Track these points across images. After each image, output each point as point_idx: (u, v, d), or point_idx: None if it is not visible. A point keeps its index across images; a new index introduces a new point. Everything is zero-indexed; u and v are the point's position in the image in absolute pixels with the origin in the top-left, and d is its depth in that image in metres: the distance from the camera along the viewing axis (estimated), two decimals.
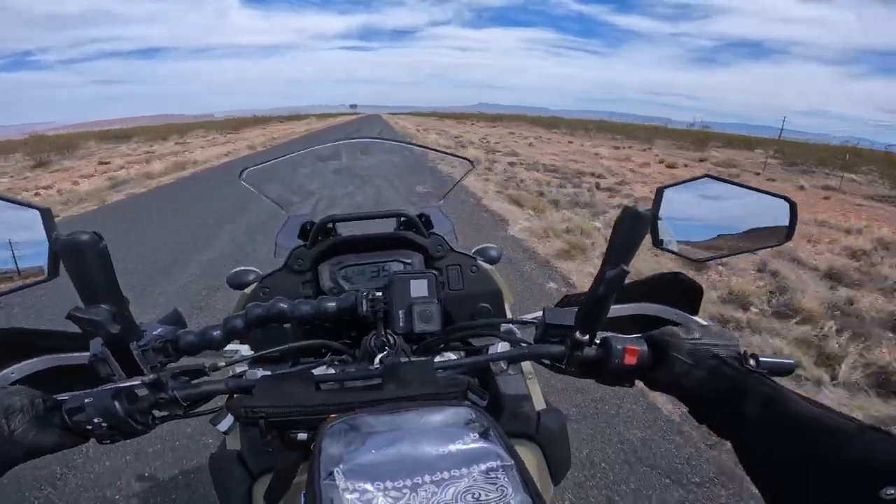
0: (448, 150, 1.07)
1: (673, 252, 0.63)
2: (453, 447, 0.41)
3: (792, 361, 0.58)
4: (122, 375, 0.50)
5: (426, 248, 0.91)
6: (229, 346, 0.69)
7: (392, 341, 0.64)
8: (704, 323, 0.67)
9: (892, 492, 0.35)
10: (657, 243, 0.62)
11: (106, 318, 0.48)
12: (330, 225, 0.96)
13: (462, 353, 0.70)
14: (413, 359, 0.62)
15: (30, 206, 0.50)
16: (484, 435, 0.43)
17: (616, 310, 0.73)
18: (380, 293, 0.64)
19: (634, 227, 0.53)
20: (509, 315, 0.91)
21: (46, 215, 0.49)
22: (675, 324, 0.72)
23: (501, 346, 0.64)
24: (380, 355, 0.62)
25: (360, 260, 0.92)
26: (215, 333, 0.60)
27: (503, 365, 0.62)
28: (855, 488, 0.38)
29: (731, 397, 0.49)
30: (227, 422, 0.53)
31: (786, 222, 0.63)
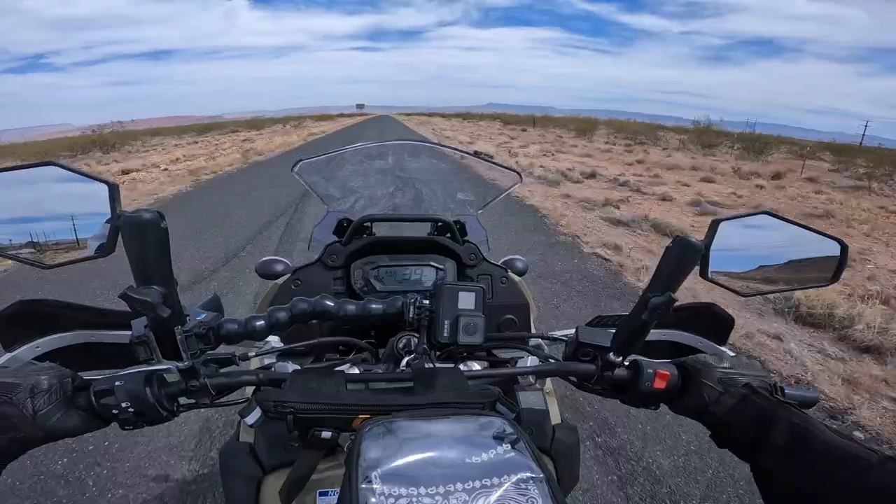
0: (496, 161, 1.07)
1: (721, 285, 0.64)
2: (485, 457, 0.42)
3: (816, 395, 0.60)
4: (160, 359, 0.49)
5: (460, 255, 0.91)
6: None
7: (423, 347, 0.64)
8: (733, 354, 0.68)
9: None
10: (705, 274, 0.63)
11: (157, 301, 0.46)
12: (366, 224, 0.95)
13: (486, 364, 0.70)
14: (440, 365, 0.62)
15: (98, 179, 0.48)
16: (515, 446, 0.43)
17: (649, 335, 0.75)
18: (427, 301, 0.64)
19: (685, 256, 0.54)
20: (534, 328, 0.92)
21: (114, 191, 0.47)
22: (703, 352, 0.74)
23: (531, 361, 0.64)
24: (406, 358, 0.62)
25: (394, 262, 0.91)
26: (258, 324, 0.59)
27: (531, 379, 0.62)
28: None
29: (759, 425, 0.51)
30: (256, 414, 0.52)
31: (835, 262, 0.65)
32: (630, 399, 0.60)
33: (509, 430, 0.45)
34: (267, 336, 0.61)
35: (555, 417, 0.74)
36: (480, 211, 1.09)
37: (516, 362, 0.67)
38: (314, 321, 0.63)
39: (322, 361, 0.74)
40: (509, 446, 0.43)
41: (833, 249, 0.65)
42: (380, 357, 0.69)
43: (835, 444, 0.45)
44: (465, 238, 0.97)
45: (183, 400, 0.52)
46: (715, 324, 0.74)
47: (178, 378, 0.51)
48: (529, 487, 0.39)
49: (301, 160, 0.96)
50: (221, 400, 0.55)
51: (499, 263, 1.03)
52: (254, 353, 0.62)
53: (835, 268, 0.65)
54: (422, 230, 1.02)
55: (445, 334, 0.62)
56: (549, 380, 0.79)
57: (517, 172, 1.03)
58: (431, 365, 0.61)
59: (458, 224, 0.99)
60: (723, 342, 0.75)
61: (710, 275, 0.64)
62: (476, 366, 0.67)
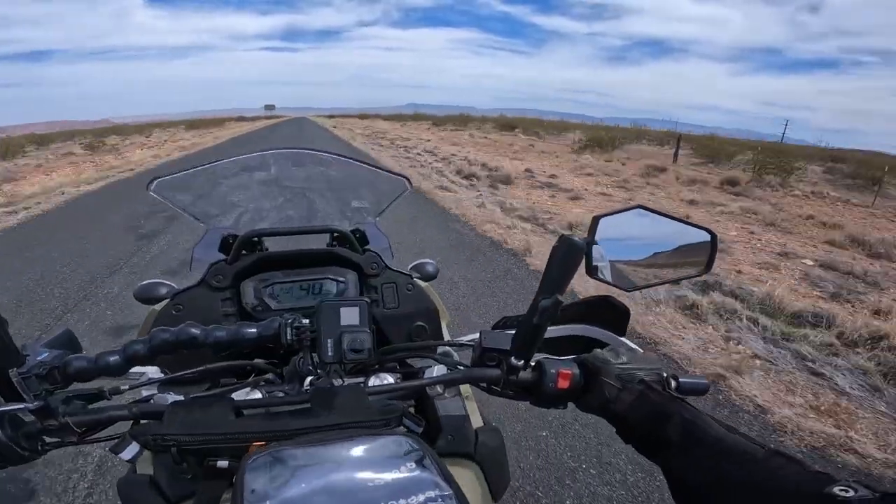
0: (383, 167, 1.04)
1: (605, 281, 0.64)
2: (389, 477, 0.40)
3: (707, 382, 0.63)
4: (1, 402, 0.47)
5: (360, 265, 0.88)
6: (134, 368, 0.63)
7: (330, 365, 0.63)
8: (632, 345, 0.69)
9: None
10: (590, 272, 0.62)
11: None
12: (255, 240, 0.90)
13: (399, 376, 0.68)
14: (346, 382, 0.61)
15: None
16: (420, 463, 0.42)
17: (552, 331, 0.74)
18: (306, 321, 0.61)
19: (569, 255, 0.54)
20: (446, 334, 0.91)
21: None
22: (607, 345, 0.74)
23: (438, 370, 0.64)
24: (309, 378, 0.60)
25: (289, 277, 0.87)
26: (112, 359, 0.56)
27: (439, 388, 0.61)
28: None
29: (656, 421, 0.51)
30: (132, 450, 0.50)
31: (707, 252, 0.66)
32: (537, 400, 0.59)
33: (414, 446, 0.43)
34: (127, 371, 0.58)
35: (476, 421, 0.72)
36: (378, 218, 1.06)
37: (424, 372, 0.65)
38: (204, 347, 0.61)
39: (218, 387, 0.69)
40: (414, 464, 0.41)
41: (704, 238, 0.66)
42: (285, 378, 0.66)
43: (723, 438, 0.46)
44: (367, 247, 0.94)
45: (48, 438, 0.51)
46: (614, 315, 0.75)
47: (34, 418, 0.49)
48: None
49: (157, 178, 0.89)
50: (93, 436, 0.53)
51: (408, 268, 1.01)
52: (126, 387, 0.59)
53: (707, 257, 0.66)
54: (322, 242, 0.98)
55: (330, 353, 0.60)
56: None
57: (405, 178, 1.01)
58: (340, 382, 0.60)
59: (358, 233, 0.96)
60: (622, 333, 0.75)
61: (593, 272, 0.63)
62: (389, 378, 0.66)
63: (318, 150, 1.02)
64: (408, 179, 1.00)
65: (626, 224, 0.64)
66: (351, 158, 1.03)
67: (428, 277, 1.08)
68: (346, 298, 0.71)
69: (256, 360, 0.65)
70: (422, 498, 0.39)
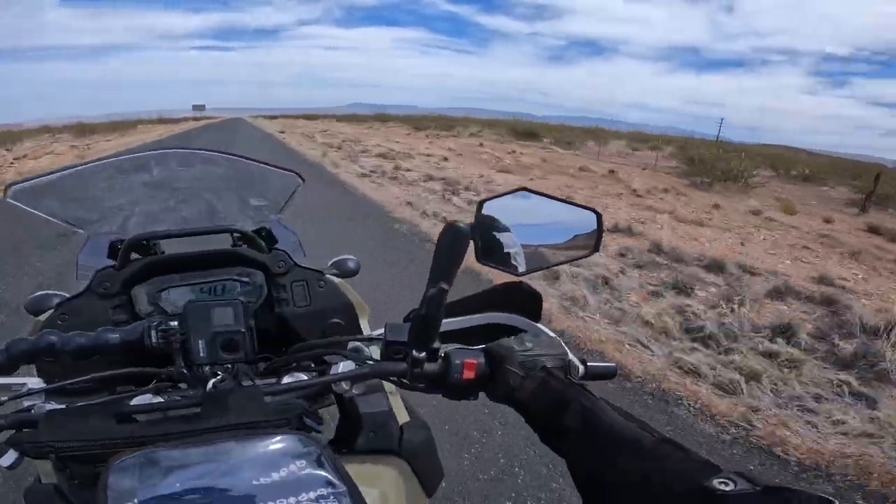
0: (272, 164, 1.00)
1: (495, 266, 0.63)
2: (277, 476, 0.40)
3: (614, 365, 0.64)
4: None
5: (266, 264, 0.85)
6: (15, 379, 0.63)
7: (230, 366, 0.62)
8: (545, 330, 0.69)
9: None
10: (479, 257, 0.61)
11: None
12: (146, 243, 0.87)
13: (314, 374, 0.66)
14: (245, 384, 0.61)
15: None
16: (314, 462, 0.41)
17: (465, 321, 0.74)
18: (174, 323, 0.61)
19: (455, 242, 0.53)
20: (366, 330, 0.89)
21: None
22: (522, 331, 0.73)
23: (344, 366, 0.62)
24: (212, 380, 0.59)
25: (187, 280, 0.83)
26: None
27: (345, 385, 0.60)
28: (657, 503, 0.39)
29: (556, 409, 0.50)
30: (10, 457, 0.49)
31: (594, 232, 0.66)
32: (447, 392, 0.59)
33: (307, 445, 0.43)
34: None
35: (401, 416, 0.71)
36: (280, 215, 1.03)
37: (331, 369, 0.64)
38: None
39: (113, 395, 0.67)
40: (306, 463, 0.41)
41: (590, 218, 0.66)
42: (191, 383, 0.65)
43: (618, 426, 0.46)
44: (274, 245, 0.91)
45: None
46: (527, 300, 0.75)
47: None
48: (330, 503, 0.38)
49: (13, 183, 0.83)
50: None
51: (327, 265, 1.01)
52: (6, 398, 0.59)
53: (595, 237, 0.66)
54: (225, 244, 0.94)
55: (202, 355, 0.61)
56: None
57: (296, 173, 0.99)
58: (250, 383, 0.60)
59: (264, 231, 0.95)
60: (537, 318, 0.75)
61: (483, 258, 0.62)
62: (304, 377, 0.64)
63: (203, 149, 0.98)
64: (299, 175, 0.98)
65: (513, 207, 0.64)
66: (238, 156, 0.99)
67: (349, 273, 1.06)
68: (219, 299, 0.69)
69: (148, 369, 0.63)
70: (312, 495, 0.38)
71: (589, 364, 0.61)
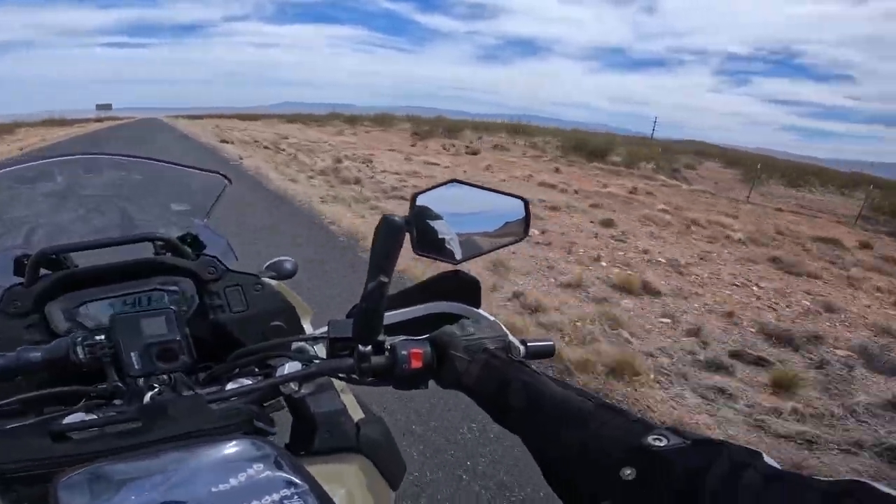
0: (198, 167, 0.97)
1: (431, 257, 0.65)
2: (236, 482, 0.39)
3: (552, 343, 0.67)
4: None
5: (194, 271, 0.82)
6: None
7: (168, 378, 0.61)
8: (485, 314, 0.72)
9: (629, 472, 0.37)
10: (416, 248, 0.63)
11: None
12: (56, 257, 0.82)
13: (259, 378, 0.66)
14: (186, 394, 0.59)
15: None
16: (272, 464, 0.41)
17: (409, 312, 0.75)
18: (101, 337, 0.60)
19: (390, 235, 0.54)
20: (309, 330, 0.88)
21: None
22: (464, 317, 0.75)
23: (290, 367, 0.62)
24: (149, 393, 0.58)
25: (108, 293, 0.79)
26: None
27: (293, 386, 0.60)
28: (598, 468, 0.40)
29: (501, 389, 0.52)
30: None
31: (523, 218, 0.71)
32: (397, 383, 0.60)
33: (262, 448, 0.42)
34: None
35: (356, 413, 0.71)
36: (207, 219, 0.99)
37: (276, 371, 0.64)
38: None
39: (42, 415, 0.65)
40: (263, 466, 0.40)
41: (518, 206, 0.71)
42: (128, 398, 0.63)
43: (558, 398, 0.47)
44: (202, 251, 0.87)
45: None
46: (466, 288, 0.77)
47: None
48: (294, 502, 0.38)
49: None
50: None
51: (263, 267, 0.99)
52: None
53: (524, 223, 0.71)
54: (149, 252, 0.89)
55: (137, 367, 0.60)
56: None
57: (223, 175, 0.96)
58: (191, 392, 0.58)
59: (189, 237, 0.91)
60: (477, 304, 0.78)
61: (420, 249, 0.64)
62: (248, 383, 0.64)
63: (114, 154, 0.94)
64: (224, 176, 0.95)
65: (446, 199, 0.66)
66: (154, 159, 0.95)
67: (286, 275, 1.05)
68: (148, 309, 0.68)
69: (81, 388, 0.61)
70: (276, 497, 0.38)
71: (528, 344, 0.64)
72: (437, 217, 0.66)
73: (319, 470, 0.47)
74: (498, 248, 0.73)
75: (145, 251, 0.88)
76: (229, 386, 0.63)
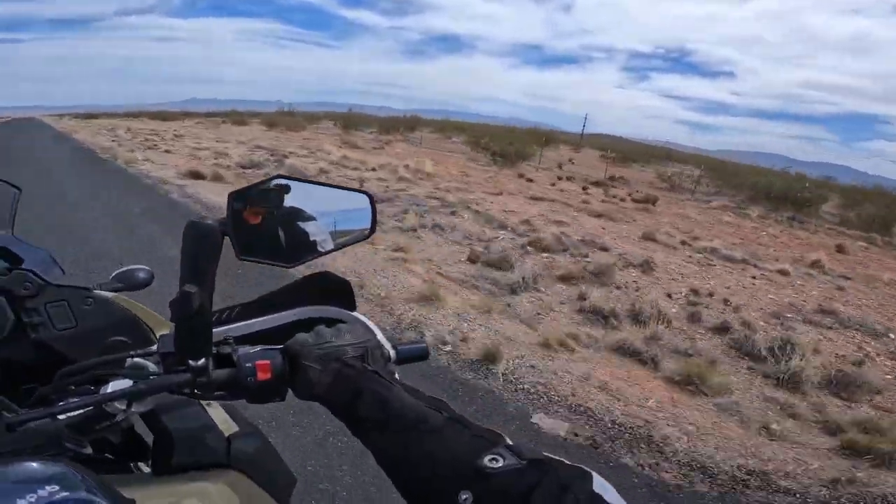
0: None
1: (260, 261, 0.60)
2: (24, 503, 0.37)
3: (425, 345, 0.65)
4: None
5: (6, 288, 0.74)
6: None
7: None
8: (359, 316, 0.68)
9: (466, 496, 0.36)
10: (239, 254, 0.57)
11: None
12: None
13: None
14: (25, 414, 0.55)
15: None
16: (68, 484, 0.39)
17: (278, 318, 0.70)
18: None
19: (202, 241, 0.51)
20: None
21: None
22: (339, 321, 0.72)
23: (116, 384, 0.58)
24: None
25: None
26: None
27: (119, 405, 0.56)
28: (439, 491, 0.39)
29: (352, 400, 0.50)
30: None
31: (369, 214, 0.66)
32: (251, 397, 0.57)
33: (54, 467, 0.40)
34: None
35: (228, 427, 0.68)
36: (11, 230, 0.89)
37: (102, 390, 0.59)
38: None
39: None
40: (58, 486, 0.38)
41: (363, 201, 0.66)
42: None
43: (408, 408, 0.46)
44: (16, 266, 0.79)
45: None
46: (338, 290, 0.73)
47: None
48: None
49: None
50: None
51: (110, 277, 0.93)
52: None
53: (370, 219, 0.66)
54: None
55: None
56: None
57: (8, 182, 0.89)
58: (13, 416, 0.53)
59: (0, 250, 0.82)
60: (351, 306, 0.74)
61: (243, 253, 0.57)
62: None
63: None
64: (10, 183, 0.87)
65: (273, 197, 0.60)
66: None
67: (139, 285, 0.97)
68: None
69: None
70: None
71: (399, 347, 0.62)
72: (264, 218, 0.60)
73: (178, 489, 0.46)
74: (340, 247, 0.68)
75: None
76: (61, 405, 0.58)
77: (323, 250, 0.65)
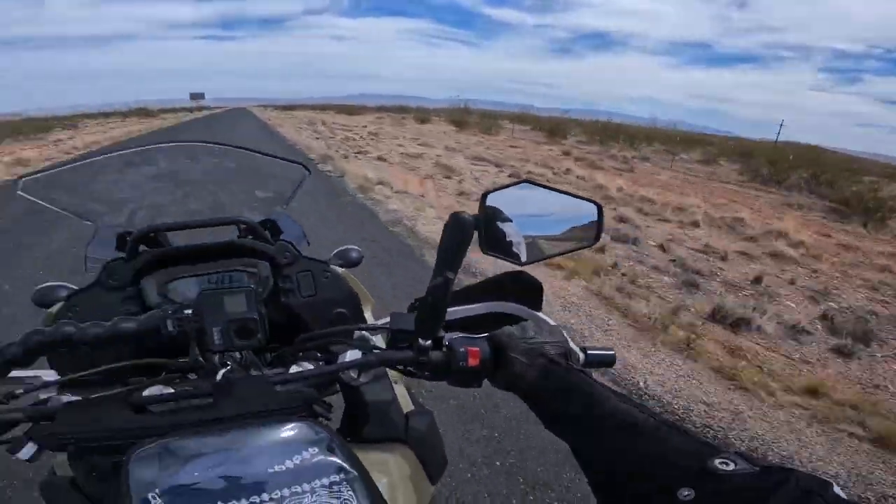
0: (279, 156, 1.02)
1: (498, 256, 0.64)
2: (291, 463, 0.40)
3: (613, 352, 0.65)
4: None
5: (271, 255, 0.86)
6: (29, 371, 0.63)
7: (240, 356, 0.63)
8: (546, 318, 0.70)
9: (688, 493, 0.36)
10: (484, 248, 0.62)
11: None
12: (153, 235, 0.87)
13: (321, 363, 0.68)
14: (254, 373, 0.61)
15: None
16: (326, 448, 0.42)
17: (468, 309, 0.75)
18: (189, 311, 0.61)
19: (459, 232, 0.54)
20: (370, 319, 0.91)
21: None
22: (524, 319, 0.75)
23: (351, 355, 0.63)
24: (222, 371, 0.59)
25: (195, 271, 0.84)
26: None
27: (353, 374, 0.62)
28: (655, 485, 0.39)
29: (559, 396, 0.51)
30: (29, 450, 0.50)
31: (595, 224, 0.68)
32: (453, 380, 0.60)
33: (319, 432, 0.44)
34: (5, 374, 0.58)
35: (406, 405, 0.72)
36: (286, 207, 1.04)
37: (338, 358, 0.65)
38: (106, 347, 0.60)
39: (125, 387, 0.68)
40: (317, 450, 0.42)
41: (591, 210, 0.68)
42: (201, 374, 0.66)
43: (620, 411, 0.46)
44: (280, 237, 0.92)
45: None
46: (528, 290, 0.76)
47: None
48: (343, 489, 0.39)
49: (25, 176, 0.84)
50: None
51: (331, 255, 1.03)
52: (21, 391, 0.58)
53: (595, 229, 0.68)
54: (233, 236, 0.95)
55: (217, 342, 0.61)
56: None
57: (302, 164, 1.00)
58: (259, 373, 0.60)
59: (270, 223, 0.96)
60: (538, 307, 0.76)
61: (487, 248, 0.63)
62: (310, 367, 0.66)
63: (209, 142, 0.99)
64: (304, 166, 0.99)
65: (517, 199, 0.65)
66: (244, 148, 1.00)
67: (351, 264, 1.08)
68: (230, 287, 0.70)
69: (159, 360, 0.64)
70: (326, 482, 0.39)
71: (588, 352, 0.63)
72: (507, 217, 0.65)
73: (366, 457, 0.48)
74: (566, 252, 0.71)
75: (231, 234, 0.93)
76: (293, 369, 0.65)
77: (549, 254, 0.69)
